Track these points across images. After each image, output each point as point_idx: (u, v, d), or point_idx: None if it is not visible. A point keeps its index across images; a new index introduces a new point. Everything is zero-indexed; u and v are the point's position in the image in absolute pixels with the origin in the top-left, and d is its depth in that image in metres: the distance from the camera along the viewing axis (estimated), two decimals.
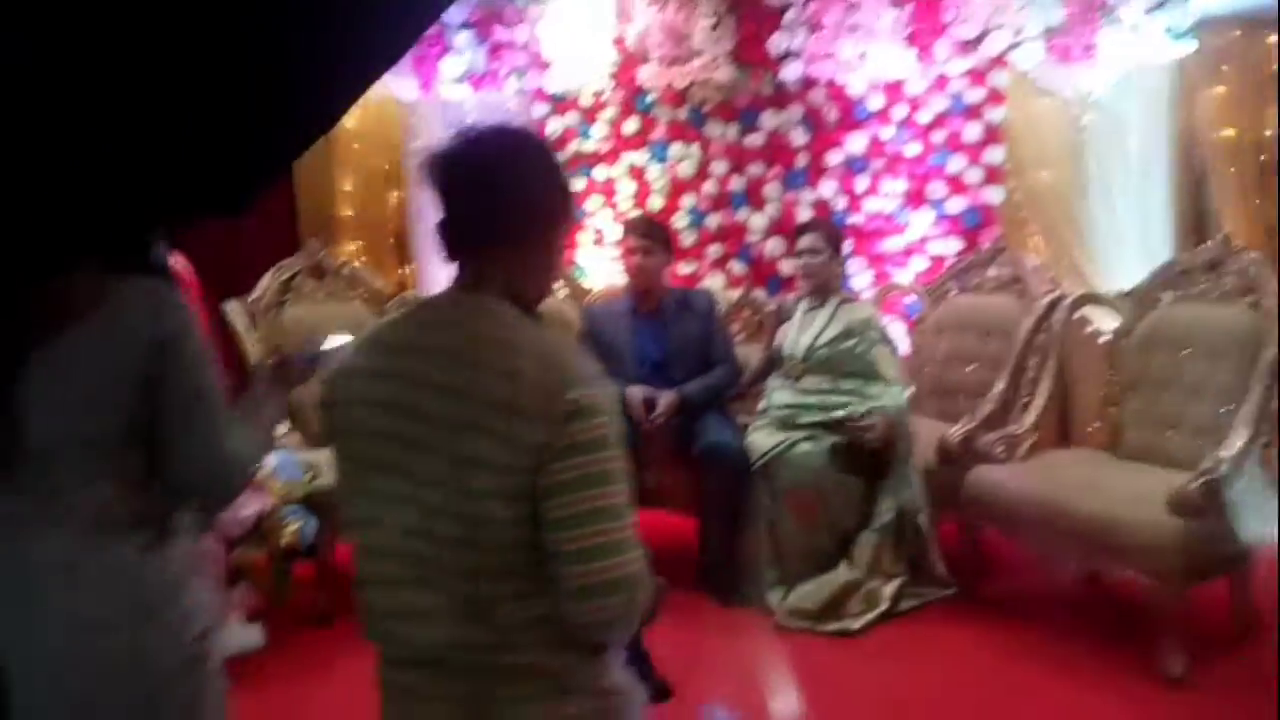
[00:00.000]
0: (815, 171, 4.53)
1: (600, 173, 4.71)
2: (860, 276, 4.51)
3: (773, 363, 3.54)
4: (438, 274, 4.56)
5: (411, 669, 1.20)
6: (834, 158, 4.50)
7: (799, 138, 4.51)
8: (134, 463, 1.31)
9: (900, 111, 4.42)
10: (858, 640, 3.01)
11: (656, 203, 4.66)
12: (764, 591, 3.19)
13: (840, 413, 3.24)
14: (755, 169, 4.57)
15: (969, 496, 3.17)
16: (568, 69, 4.59)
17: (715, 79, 4.45)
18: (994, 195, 4.33)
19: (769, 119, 4.52)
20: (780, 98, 4.51)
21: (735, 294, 4.27)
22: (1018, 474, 3.13)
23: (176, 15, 0.92)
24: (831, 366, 3.33)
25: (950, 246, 4.39)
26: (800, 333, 3.42)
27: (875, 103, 4.43)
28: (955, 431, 3.25)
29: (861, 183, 4.50)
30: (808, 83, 4.46)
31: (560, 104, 4.71)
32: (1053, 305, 3.48)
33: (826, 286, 3.43)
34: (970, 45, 4.21)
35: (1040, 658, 2.82)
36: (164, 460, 1.32)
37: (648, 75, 4.53)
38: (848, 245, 3.86)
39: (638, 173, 4.69)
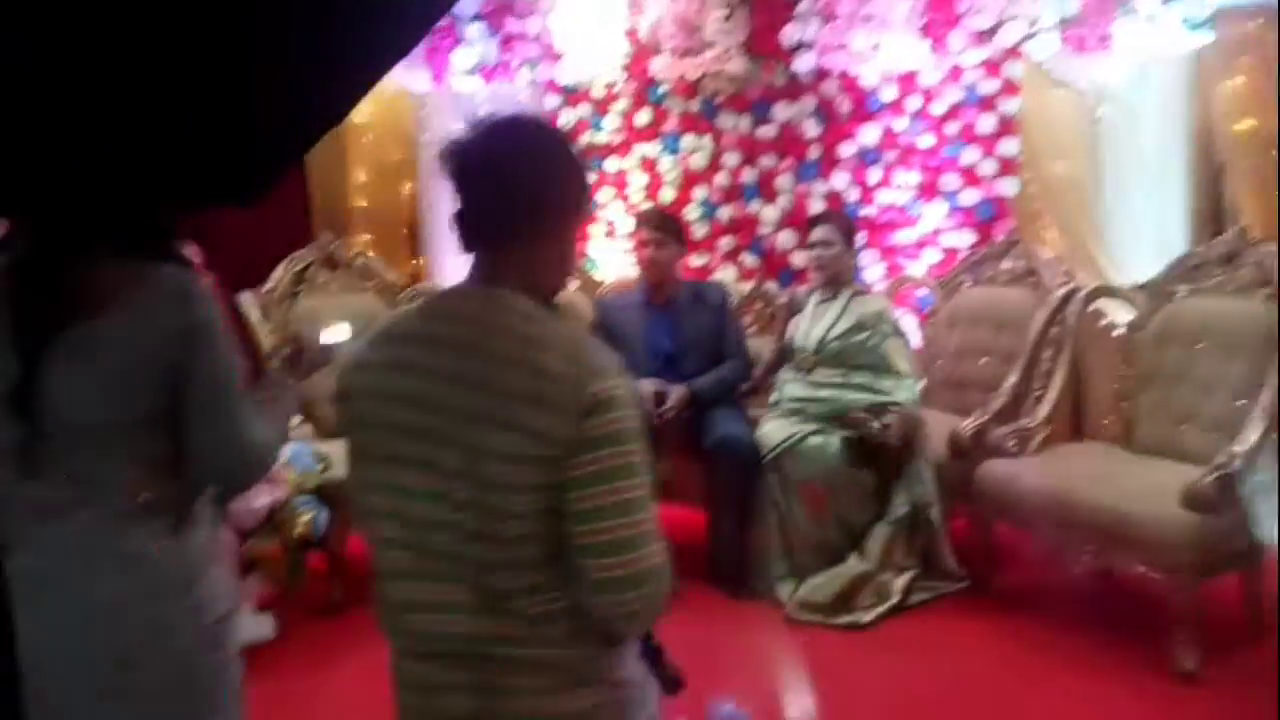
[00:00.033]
0: (828, 163, 4.51)
1: (612, 165, 4.72)
2: (873, 269, 4.49)
3: (784, 355, 3.53)
4: (450, 266, 4.57)
5: (427, 661, 1.20)
6: (847, 149, 4.48)
7: (812, 129, 4.49)
8: (157, 449, 1.32)
9: (914, 103, 4.39)
10: (868, 633, 3.01)
11: (668, 195, 4.65)
12: (774, 584, 3.20)
13: (859, 405, 3.23)
14: (767, 161, 4.55)
15: (981, 490, 3.16)
16: (580, 60, 4.59)
17: (728, 70, 4.43)
18: (1008, 187, 4.30)
19: (781, 110, 4.50)
20: (793, 89, 4.49)
21: (747, 286, 4.26)
22: (1030, 468, 3.12)
23: (184, 5, 0.92)
24: (843, 359, 3.32)
25: (963, 239, 4.37)
26: (812, 325, 3.41)
27: (888, 94, 4.40)
28: (967, 425, 3.24)
29: (874, 175, 4.48)
30: (820, 74, 4.44)
31: (572, 96, 4.71)
32: (1067, 298, 3.46)
33: (839, 279, 3.41)
34: (985, 36, 4.18)
35: (1051, 652, 2.81)
36: (185, 447, 1.33)
37: (660, 67, 4.52)
38: (860, 237, 3.84)
39: (650, 165, 4.69)
